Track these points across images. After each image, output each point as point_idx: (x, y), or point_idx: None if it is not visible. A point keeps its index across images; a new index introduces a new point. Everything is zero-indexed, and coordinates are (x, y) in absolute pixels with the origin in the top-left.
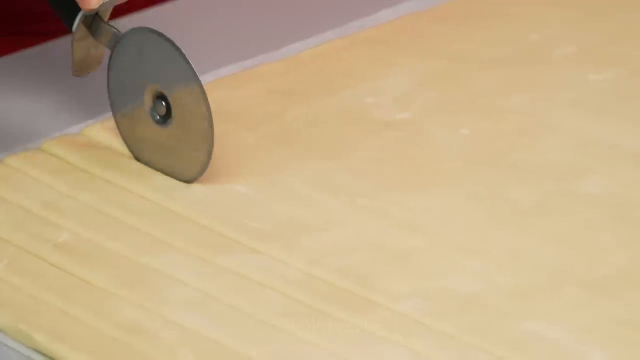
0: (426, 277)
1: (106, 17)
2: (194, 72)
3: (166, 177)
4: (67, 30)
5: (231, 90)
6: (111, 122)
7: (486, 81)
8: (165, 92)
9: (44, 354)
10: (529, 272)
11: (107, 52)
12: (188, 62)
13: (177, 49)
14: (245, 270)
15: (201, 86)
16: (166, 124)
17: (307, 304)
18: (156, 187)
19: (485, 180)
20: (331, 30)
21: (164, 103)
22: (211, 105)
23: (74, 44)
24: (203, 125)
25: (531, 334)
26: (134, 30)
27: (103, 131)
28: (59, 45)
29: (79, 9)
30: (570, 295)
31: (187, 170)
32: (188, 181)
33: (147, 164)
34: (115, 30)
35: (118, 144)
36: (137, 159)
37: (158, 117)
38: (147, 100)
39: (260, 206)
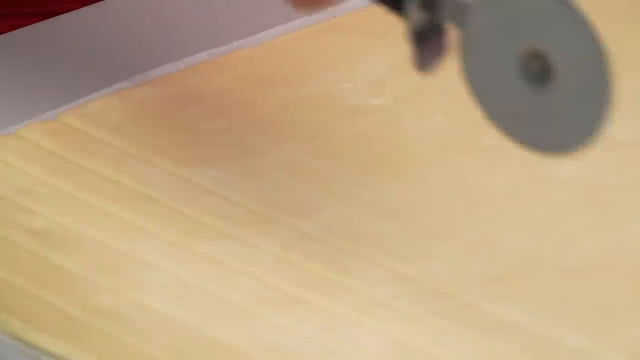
0: (400, 262)
1: None
2: (583, 19)
3: (142, 163)
4: (42, 13)
5: (206, 76)
6: (86, 108)
7: None
8: (543, 49)
9: (18, 339)
10: (503, 258)
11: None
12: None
13: None
14: (220, 256)
15: (597, 34)
16: (543, 88)
17: (282, 289)
18: (131, 172)
19: (460, 166)
20: (306, 17)
21: (538, 62)
22: (185, 91)
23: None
24: (599, 82)
25: (505, 318)
26: None
27: (78, 116)
28: (33, 30)
29: None
30: (544, 280)
31: (568, 140)
32: (567, 152)
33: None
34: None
35: (93, 129)
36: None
37: (532, 80)
38: (516, 64)
39: (234, 191)
